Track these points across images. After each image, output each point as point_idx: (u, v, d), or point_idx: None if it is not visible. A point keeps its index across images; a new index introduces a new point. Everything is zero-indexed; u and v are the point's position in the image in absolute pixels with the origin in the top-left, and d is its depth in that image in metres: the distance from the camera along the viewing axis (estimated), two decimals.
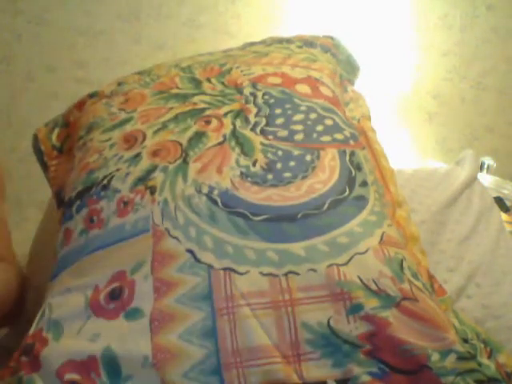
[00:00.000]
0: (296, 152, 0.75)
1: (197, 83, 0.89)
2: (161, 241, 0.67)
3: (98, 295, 0.65)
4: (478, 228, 0.94)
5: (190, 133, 0.78)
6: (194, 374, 0.59)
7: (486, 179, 1.29)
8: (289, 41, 1.02)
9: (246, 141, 0.77)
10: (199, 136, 0.78)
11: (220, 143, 0.76)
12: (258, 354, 0.60)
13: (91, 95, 0.94)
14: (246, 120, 0.80)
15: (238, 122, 0.79)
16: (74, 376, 0.60)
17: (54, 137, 0.95)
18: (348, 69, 1.03)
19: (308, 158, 0.74)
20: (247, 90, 0.85)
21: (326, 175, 0.72)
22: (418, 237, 0.78)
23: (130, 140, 0.79)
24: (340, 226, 0.67)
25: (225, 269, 0.64)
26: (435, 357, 0.60)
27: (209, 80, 0.90)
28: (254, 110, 0.81)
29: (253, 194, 0.70)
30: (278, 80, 0.87)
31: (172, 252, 0.66)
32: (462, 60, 1.64)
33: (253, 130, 0.78)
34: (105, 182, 0.75)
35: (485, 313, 0.82)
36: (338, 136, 0.78)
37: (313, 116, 0.80)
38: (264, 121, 0.79)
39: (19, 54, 1.46)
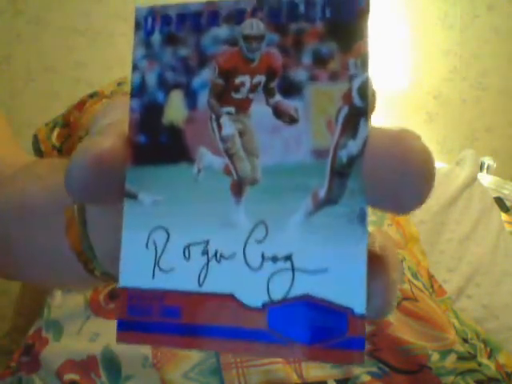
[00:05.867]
0: None
1: None
2: None
3: (98, 295, 0.65)
4: (478, 228, 0.93)
5: None
6: (194, 373, 0.59)
7: (486, 179, 1.29)
8: None
9: None
10: None
11: None
12: None
13: (91, 95, 0.94)
14: None
15: None
16: (74, 376, 0.60)
17: (53, 137, 0.95)
18: None
19: None
20: None
21: None
22: (417, 237, 0.78)
23: None
24: None
25: None
26: (435, 357, 0.60)
27: None
28: None
29: None
30: None
31: None
32: (463, 60, 1.64)
33: None
34: None
35: (485, 313, 0.82)
36: None
37: None
38: None
39: (19, 54, 1.46)
